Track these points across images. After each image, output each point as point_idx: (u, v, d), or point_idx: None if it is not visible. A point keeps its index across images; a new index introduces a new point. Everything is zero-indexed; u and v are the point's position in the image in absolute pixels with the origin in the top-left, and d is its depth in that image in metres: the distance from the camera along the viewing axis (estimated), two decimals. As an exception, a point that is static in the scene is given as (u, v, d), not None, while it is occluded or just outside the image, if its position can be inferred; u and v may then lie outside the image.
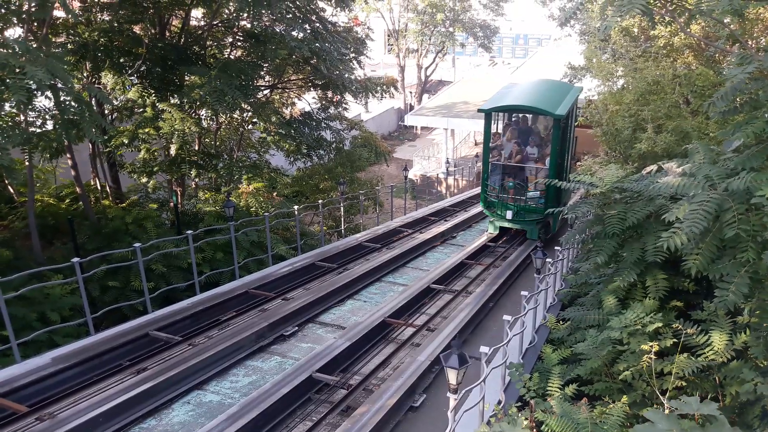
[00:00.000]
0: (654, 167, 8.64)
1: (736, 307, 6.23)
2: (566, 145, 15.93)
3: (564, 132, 15.16)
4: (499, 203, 15.63)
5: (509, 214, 15.42)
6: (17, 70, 9.48)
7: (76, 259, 9.00)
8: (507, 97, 16.07)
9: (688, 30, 11.34)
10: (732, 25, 10.45)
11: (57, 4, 10.69)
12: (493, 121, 15.84)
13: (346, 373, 8.71)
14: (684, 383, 6.66)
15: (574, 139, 18.32)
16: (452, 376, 5.65)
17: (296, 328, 10.11)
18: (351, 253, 14.45)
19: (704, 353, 6.63)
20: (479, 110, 15.58)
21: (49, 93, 10.72)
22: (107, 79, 15.95)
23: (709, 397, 6.63)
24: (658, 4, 7.64)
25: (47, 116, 12.65)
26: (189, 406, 7.73)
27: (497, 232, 16.18)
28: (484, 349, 6.43)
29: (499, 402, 6.86)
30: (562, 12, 30.07)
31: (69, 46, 14.58)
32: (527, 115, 16.13)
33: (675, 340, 6.88)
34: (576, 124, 18.29)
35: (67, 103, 11.62)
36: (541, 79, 19.50)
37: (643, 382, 6.89)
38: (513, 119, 16.48)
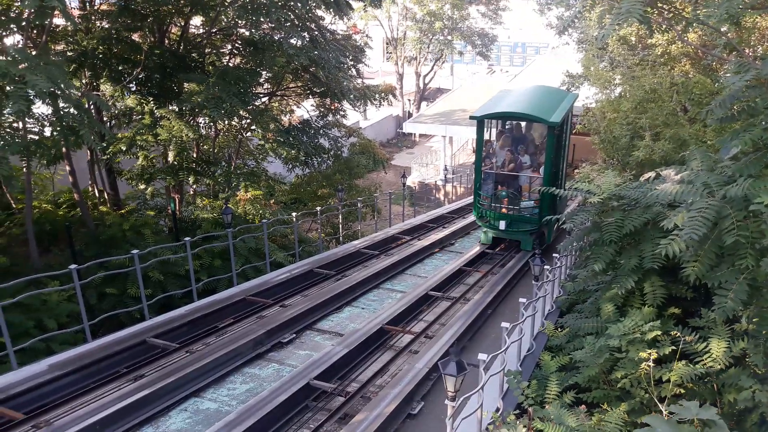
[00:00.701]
0: (652, 174, 8.66)
1: (735, 315, 6.23)
2: (561, 153, 15.61)
3: (559, 140, 14.86)
4: (492, 213, 15.25)
5: (502, 225, 15.01)
6: (16, 78, 9.50)
7: (73, 266, 8.97)
8: (500, 104, 15.70)
9: (686, 38, 11.42)
10: (729, 34, 10.52)
11: (56, 12, 10.72)
12: (486, 129, 15.43)
13: (344, 380, 8.69)
14: (682, 390, 6.65)
15: (570, 147, 18.09)
16: (450, 384, 5.63)
17: (294, 335, 10.08)
18: (349, 260, 14.43)
19: (702, 360, 6.63)
20: (471, 117, 15.09)
21: (48, 100, 10.74)
22: (106, 87, 15.98)
23: (707, 404, 6.61)
24: (656, 13, 7.68)
25: (45, 123, 12.67)
26: (186, 413, 7.70)
27: (490, 242, 15.76)
28: (482, 356, 6.42)
29: (497, 409, 6.84)
30: (560, 21, 30.28)
31: (68, 54, 14.62)
32: (521, 122, 15.81)
33: (673, 347, 6.87)
34: (573, 131, 18.27)
35: (67, 110, 11.64)
36: (536, 85, 19.32)
37: (641, 390, 6.87)
38: (507, 127, 16.19)
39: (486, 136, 15.55)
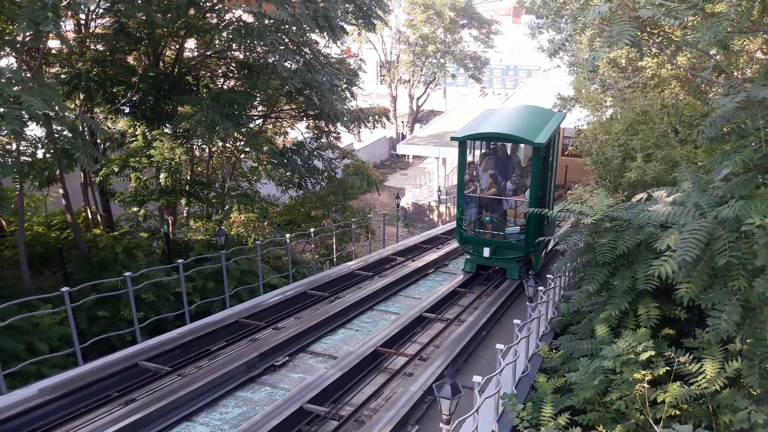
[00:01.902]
0: (644, 195, 8.72)
1: (728, 335, 6.24)
2: (548, 175, 14.95)
3: (545, 161, 14.20)
4: (476, 239, 14.57)
5: (487, 252, 14.26)
6: (11, 100, 9.52)
7: (65, 289, 8.93)
8: (483, 125, 14.86)
9: (675, 61, 11.54)
10: (718, 57, 10.65)
11: (51, 35, 10.78)
12: (469, 150, 14.75)
13: (337, 403, 8.61)
14: (677, 412, 6.63)
15: (559, 169, 17.45)
16: (445, 407, 5.60)
17: (287, 358, 10.00)
18: (343, 282, 14.37)
19: (697, 381, 6.62)
20: (452, 138, 14.18)
21: (41, 122, 10.75)
22: (99, 109, 16.02)
23: (703, 425, 6.59)
24: (646, 36, 7.79)
25: (38, 145, 12.66)
26: (178, 438, 7.61)
27: (474, 271, 15.00)
28: (477, 378, 6.38)
29: (493, 432, 6.80)
30: (551, 44, 30.48)
31: (62, 77, 14.66)
32: (506, 143, 15.13)
33: (668, 368, 6.86)
34: (566, 153, 18.30)
35: (62, 132, 11.65)
36: (522, 105, 18.84)
37: (636, 411, 6.84)
38: (491, 148, 15.40)
39: (470, 158, 14.89)
